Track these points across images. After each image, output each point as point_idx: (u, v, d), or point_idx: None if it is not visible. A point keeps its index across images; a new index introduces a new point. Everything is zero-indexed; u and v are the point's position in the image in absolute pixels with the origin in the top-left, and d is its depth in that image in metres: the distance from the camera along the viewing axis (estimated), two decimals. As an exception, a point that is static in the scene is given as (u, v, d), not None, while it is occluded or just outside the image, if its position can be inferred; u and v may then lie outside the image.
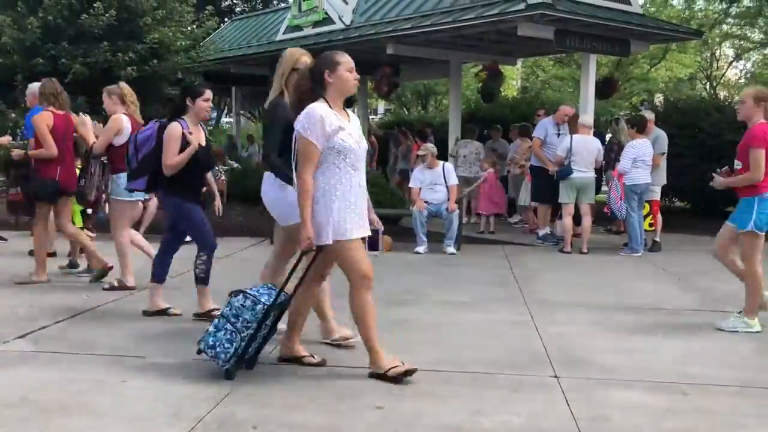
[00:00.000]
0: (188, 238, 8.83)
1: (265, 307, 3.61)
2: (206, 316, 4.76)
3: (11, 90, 11.27)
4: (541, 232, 8.84)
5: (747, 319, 4.72)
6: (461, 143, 10.67)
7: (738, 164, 4.75)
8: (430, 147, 8.61)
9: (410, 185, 8.66)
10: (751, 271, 4.69)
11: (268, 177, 4.15)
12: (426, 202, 8.20)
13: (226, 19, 20.26)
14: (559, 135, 8.61)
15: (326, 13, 11.61)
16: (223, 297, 5.51)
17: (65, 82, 10.95)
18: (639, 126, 7.97)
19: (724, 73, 27.15)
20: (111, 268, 5.97)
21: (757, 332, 4.65)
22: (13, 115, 11.20)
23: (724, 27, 20.69)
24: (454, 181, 8.22)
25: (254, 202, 11.12)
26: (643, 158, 7.79)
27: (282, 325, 3.94)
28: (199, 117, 4.89)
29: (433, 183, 8.28)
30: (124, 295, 5.57)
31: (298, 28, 12.30)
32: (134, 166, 4.95)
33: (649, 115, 8.55)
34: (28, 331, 4.52)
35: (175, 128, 4.69)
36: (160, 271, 4.98)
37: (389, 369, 3.59)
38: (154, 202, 8.69)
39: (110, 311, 5.11)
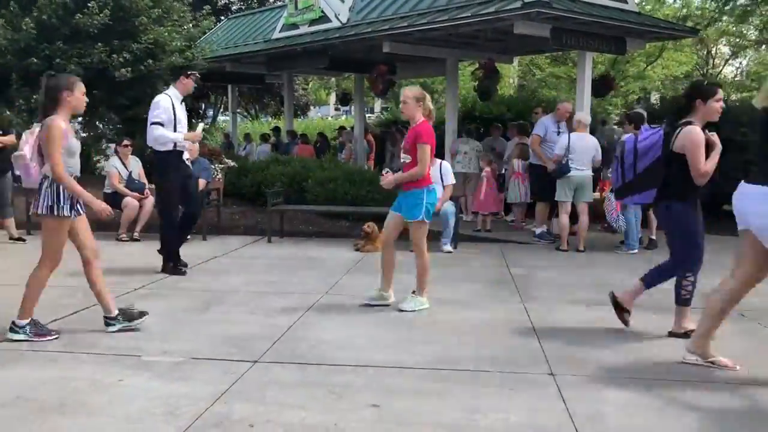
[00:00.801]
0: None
1: None
2: (682, 336, 4.41)
3: (6, 89, 11.25)
4: (537, 230, 8.84)
5: (420, 298, 5.26)
6: (461, 140, 10.69)
7: (407, 158, 5.18)
8: None
9: None
10: (420, 252, 5.24)
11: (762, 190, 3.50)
12: None
13: (222, 18, 20.25)
14: (558, 133, 8.60)
15: (323, 12, 11.61)
16: (221, 297, 5.53)
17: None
18: (635, 122, 8.02)
19: (721, 71, 27.18)
20: None
21: (427, 308, 5.19)
22: (8, 113, 11.18)
23: (720, 24, 20.71)
24: (449, 180, 8.16)
25: (251, 200, 11.21)
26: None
27: None
28: (710, 119, 4.36)
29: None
30: (119, 294, 5.56)
31: (295, 26, 12.30)
32: (629, 178, 4.51)
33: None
34: (24, 330, 4.50)
35: (698, 132, 4.25)
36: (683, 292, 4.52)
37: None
38: (150, 202, 8.69)
39: (106, 310, 5.09)
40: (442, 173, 8.18)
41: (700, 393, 3.53)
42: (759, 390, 3.59)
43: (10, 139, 8.18)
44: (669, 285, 4.64)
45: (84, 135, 12.98)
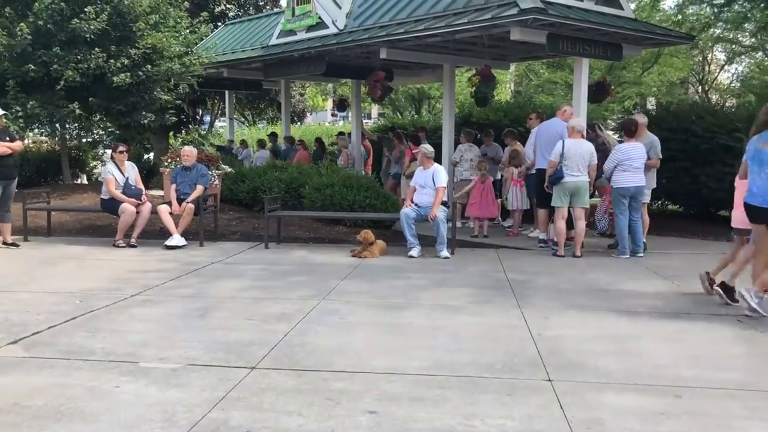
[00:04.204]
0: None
1: None
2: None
3: (3, 95, 11.24)
4: (541, 235, 8.89)
5: None
6: (464, 147, 10.69)
7: None
8: (423, 147, 8.59)
9: (411, 183, 8.67)
10: None
11: None
12: (415, 204, 8.21)
13: (219, 24, 20.27)
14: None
15: (320, 18, 11.63)
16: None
17: (57, 89, 10.99)
18: (626, 129, 8.15)
19: (716, 77, 27.28)
20: None
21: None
22: (5, 120, 11.16)
23: (716, 31, 20.79)
24: (440, 183, 8.13)
25: (248, 206, 11.20)
26: (630, 162, 7.89)
27: None
28: None
29: (424, 184, 8.25)
30: (115, 300, 5.56)
31: (292, 32, 12.32)
32: None
33: (641, 119, 8.59)
34: (21, 336, 4.50)
35: None
36: None
37: None
38: (147, 207, 8.68)
39: (102, 317, 5.09)
40: (434, 177, 8.16)
41: (697, 399, 3.53)
42: (751, 394, 3.60)
43: (18, 145, 8.24)
44: (667, 289, 4.65)
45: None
